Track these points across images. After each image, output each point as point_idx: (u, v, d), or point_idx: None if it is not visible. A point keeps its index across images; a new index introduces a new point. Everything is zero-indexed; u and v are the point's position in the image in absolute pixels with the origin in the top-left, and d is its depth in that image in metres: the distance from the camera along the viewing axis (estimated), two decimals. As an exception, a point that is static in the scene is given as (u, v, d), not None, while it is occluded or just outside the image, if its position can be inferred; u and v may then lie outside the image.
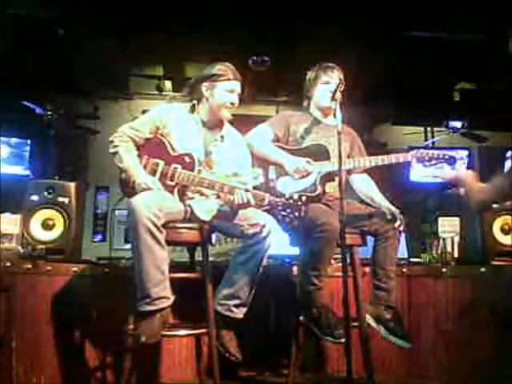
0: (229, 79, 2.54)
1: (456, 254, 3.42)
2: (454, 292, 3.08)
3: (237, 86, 2.57)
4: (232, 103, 2.56)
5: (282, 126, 2.83)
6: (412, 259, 3.54)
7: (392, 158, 2.65)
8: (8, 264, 2.82)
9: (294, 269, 2.99)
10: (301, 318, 2.61)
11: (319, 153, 2.71)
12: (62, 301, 2.82)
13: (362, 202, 2.84)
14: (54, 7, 3.98)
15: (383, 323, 2.51)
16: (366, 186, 2.83)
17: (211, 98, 2.57)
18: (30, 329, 2.77)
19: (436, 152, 2.68)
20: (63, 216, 3.15)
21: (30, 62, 4.66)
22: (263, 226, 2.32)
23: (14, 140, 5.09)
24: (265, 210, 2.38)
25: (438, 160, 2.64)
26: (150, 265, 2.18)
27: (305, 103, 2.92)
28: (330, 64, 2.81)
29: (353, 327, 2.45)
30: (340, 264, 2.25)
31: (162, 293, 2.22)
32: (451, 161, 2.64)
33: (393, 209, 2.61)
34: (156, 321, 2.20)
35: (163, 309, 2.23)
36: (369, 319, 2.56)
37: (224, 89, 2.54)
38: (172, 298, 2.26)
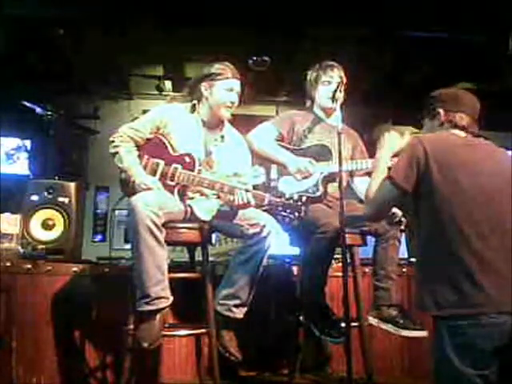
0: (227, 78, 2.54)
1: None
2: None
3: (235, 84, 2.56)
4: (232, 102, 2.55)
5: (287, 124, 2.82)
6: (412, 259, 3.54)
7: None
8: (8, 264, 2.82)
9: (294, 269, 3.00)
10: (301, 317, 2.61)
11: (322, 153, 2.71)
12: (62, 301, 2.82)
13: (361, 202, 2.83)
14: (53, 7, 3.98)
15: (391, 322, 2.48)
16: (362, 184, 2.82)
17: (210, 98, 2.56)
18: (30, 329, 2.77)
19: None
20: (63, 216, 3.15)
21: (30, 62, 4.65)
22: (263, 226, 2.32)
23: (14, 140, 5.09)
24: (265, 210, 2.39)
25: None
26: (150, 264, 2.18)
27: (307, 103, 2.91)
28: (330, 63, 2.80)
29: (353, 327, 2.45)
30: (340, 264, 2.25)
31: (162, 293, 2.22)
32: None
33: (394, 209, 2.61)
34: (156, 323, 2.20)
35: (162, 309, 2.23)
36: (377, 322, 2.52)
37: (223, 88, 2.54)
38: (171, 298, 2.26)
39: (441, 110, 1.91)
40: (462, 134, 1.88)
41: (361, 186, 2.82)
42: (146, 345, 2.17)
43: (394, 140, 2.12)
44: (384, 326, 2.51)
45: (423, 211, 1.79)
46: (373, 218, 2.07)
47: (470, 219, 1.69)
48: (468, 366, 1.60)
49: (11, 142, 5.13)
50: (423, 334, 2.43)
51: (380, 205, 1.91)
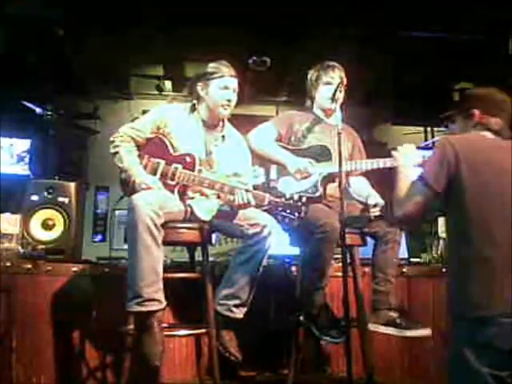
0: (222, 76, 2.52)
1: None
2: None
3: (230, 82, 2.54)
4: (228, 100, 2.53)
5: (285, 124, 2.82)
6: (412, 259, 3.54)
7: (394, 161, 2.64)
8: (8, 264, 2.82)
9: (294, 269, 3.00)
10: (301, 317, 2.61)
11: (321, 153, 2.71)
12: (62, 301, 2.82)
13: (361, 202, 2.84)
14: (53, 7, 3.98)
15: (392, 324, 2.45)
16: (360, 186, 2.83)
17: (207, 97, 2.56)
18: (29, 329, 2.77)
19: None
20: (63, 216, 3.15)
21: (30, 62, 4.65)
22: (263, 226, 2.32)
23: (14, 140, 5.09)
24: (265, 210, 2.39)
25: None
26: (145, 264, 2.16)
27: (307, 103, 2.92)
28: (331, 63, 2.79)
29: (353, 327, 2.45)
30: (340, 264, 2.25)
31: (155, 295, 2.18)
32: None
33: (380, 201, 2.61)
34: (157, 334, 2.18)
35: (154, 312, 2.18)
36: (377, 328, 2.49)
37: (217, 86, 2.52)
38: (164, 303, 2.22)
39: (476, 112, 1.90)
40: (491, 135, 1.88)
41: (355, 185, 2.84)
42: (157, 363, 2.18)
43: (410, 149, 2.19)
44: (386, 331, 2.47)
45: (453, 211, 1.80)
46: (405, 220, 1.96)
47: (498, 219, 1.69)
48: (484, 365, 1.61)
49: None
50: (426, 332, 2.42)
51: (413, 206, 1.85)
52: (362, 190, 2.79)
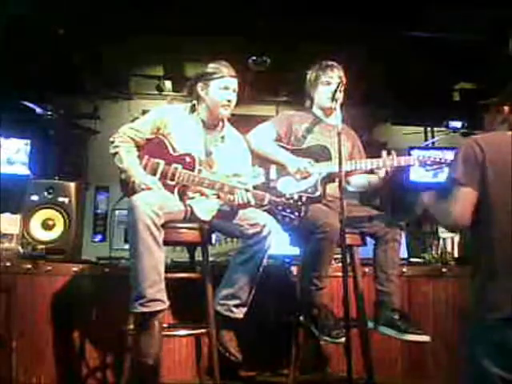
0: (222, 76, 2.53)
1: (456, 254, 3.43)
2: (454, 292, 3.08)
3: (230, 82, 2.54)
4: (228, 100, 2.54)
5: (284, 124, 2.82)
6: (412, 259, 3.54)
7: (394, 162, 2.64)
8: (8, 264, 2.82)
9: (294, 269, 3.00)
10: (301, 318, 2.61)
11: (321, 153, 2.71)
12: (62, 301, 2.82)
13: (362, 203, 2.84)
14: (53, 7, 3.98)
15: (392, 326, 2.47)
16: (359, 179, 2.85)
17: (207, 98, 2.56)
18: (29, 329, 2.77)
19: (438, 156, 2.66)
20: (63, 216, 3.15)
21: (30, 62, 4.66)
22: (263, 226, 2.32)
23: (13, 140, 5.09)
24: (265, 210, 2.39)
25: (440, 164, 2.62)
26: (147, 264, 2.16)
27: (307, 103, 2.92)
28: (330, 63, 2.80)
29: (353, 327, 2.45)
30: (340, 264, 2.25)
31: (158, 295, 2.18)
32: None
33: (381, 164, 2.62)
34: (156, 334, 2.16)
35: (157, 312, 2.18)
36: (377, 328, 2.52)
37: (217, 87, 2.53)
38: (167, 302, 2.22)
39: (506, 108, 1.88)
40: None
41: (354, 181, 2.85)
42: (151, 362, 2.14)
43: None
44: (386, 331, 2.49)
45: (477, 213, 1.78)
46: (459, 223, 1.84)
47: None
48: (496, 366, 1.61)
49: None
50: (426, 338, 2.42)
51: (459, 209, 1.79)
52: (362, 181, 2.81)
